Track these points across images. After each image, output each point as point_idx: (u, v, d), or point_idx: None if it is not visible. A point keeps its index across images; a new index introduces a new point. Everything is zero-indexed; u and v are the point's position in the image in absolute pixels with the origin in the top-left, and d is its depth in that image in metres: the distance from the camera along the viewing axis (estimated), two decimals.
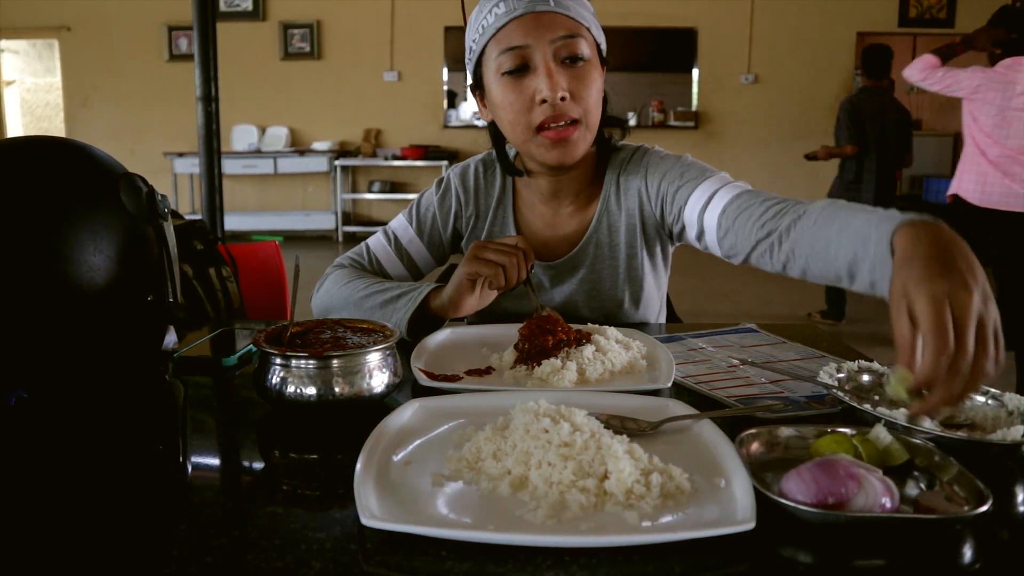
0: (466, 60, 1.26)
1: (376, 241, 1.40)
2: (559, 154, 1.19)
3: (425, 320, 1.19)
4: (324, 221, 8.85)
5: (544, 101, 1.15)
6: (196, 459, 0.79)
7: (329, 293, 1.29)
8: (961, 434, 0.78)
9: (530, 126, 1.18)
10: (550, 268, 1.34)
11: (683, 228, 1.24)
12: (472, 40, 1.23)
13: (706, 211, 1.16)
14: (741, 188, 1.16)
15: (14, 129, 9.72)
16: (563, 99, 1.15)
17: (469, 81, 1.27)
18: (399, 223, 1.40)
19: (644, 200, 1.30)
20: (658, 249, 1.36)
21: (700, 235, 1.18)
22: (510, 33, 1.15)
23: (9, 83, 9.79)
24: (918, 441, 0.72)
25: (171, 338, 1.10)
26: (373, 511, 0.61)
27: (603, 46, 1.24)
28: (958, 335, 0.64)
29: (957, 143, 10.33)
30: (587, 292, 1.34)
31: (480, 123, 8.74)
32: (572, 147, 1.19)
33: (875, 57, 4.78)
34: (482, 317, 1.31)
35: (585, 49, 1.17)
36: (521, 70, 1.16)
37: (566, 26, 1.15)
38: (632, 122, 8.80)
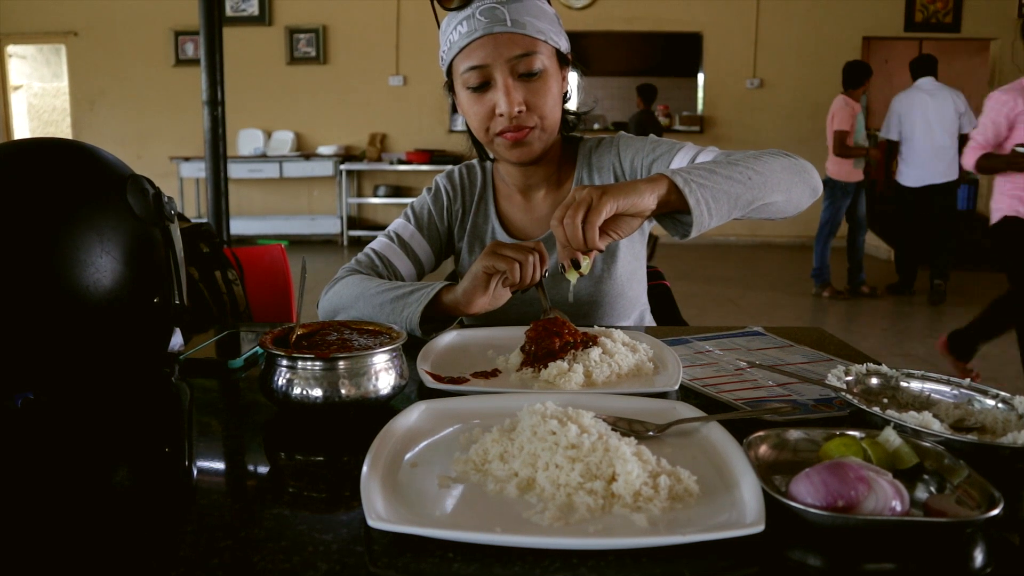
0: (439, 62, 1.37)
1: (380, 243, 1.47)
2: (518, 154, 1.32)
3: (436, 317, 1.22)
4: (329, 225, 8.88)
5: (502, 114, 1.27)
6: (202, 461, 0.79)
7: (340, 294, 1.33)
8: (971, 437, 0.77)
9: (491, 133, 1.31)
10: None
11: None
12: (443, 50, 1.33)
13: (696, 160, 1.28)
14: (717, 150, 1.29)
15: (21, 133, 9.77)
16: (520, 112, 1.27)
17: (444, 80, 1.40)
18: (398, 224, 1.50)
19: (618, 176, 1.41)
20: None
21: None
22: (472, 52, 1.26)
23: (16, 88, 9.84)
24: (928, 444, 0.71)
25: (177, 340, 1.10)
26: (380, 513, 0.61)
27: (564, 48, 1.33)
28: (572, 210, 0.99)
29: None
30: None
31: None
32: (529, 147, 1.31)
33: (647, 92, 7.63)
34: (489, 320, 1.32)
35: (541, 63, 1.27)
36: (483, 87, 1.28)
37: (522, 45, 1.25)
38: None
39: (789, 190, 1.17)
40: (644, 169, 1.37)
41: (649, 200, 1.01)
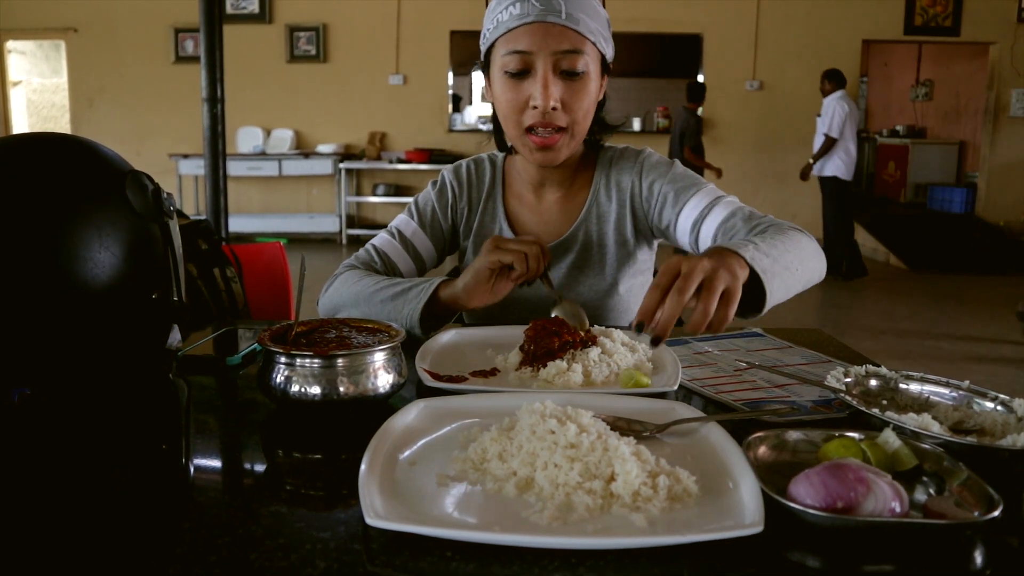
0: (480, 41, 1.32)
1: (381, 239, 1.44)
2: (542, 157, 1.28)
3: (435, 314, 1.21)
4: (328, 224, 8.86)
5: (536, 107, 1.22)
6: (200, 459, 0.79)
7: (339, 292, 1.31)
8: (970, 439, 0.77)
9: (521, 125, 1.26)
10: None
11: (668, 226, 1.34)
12: (487, 28, 1.28)
13: (703, 223, 1.27)
14: (733, 206, 1.26)
15: (20, 130, 9.74)
16: (554, 108, 1.22)
17: (481, 59, 1.34)
18: (400, 220, 1.46)
19: (636, 194, 1.38)
20: (643, 241, 1.43)
21: (693, 241, 1.30)
22: (518, 36, 1.21)
23: (15, 84, 9.82)
24: (927, 446, 0.71)
25: (175, 337, 1.10)
26: (378, 511, 0.61)
27: (609, 55, 1.30)
28: (682, 280, 0.84)
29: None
30: (575, 277, 1.40)
31: (484, 127, 8.76)
32: (555, 152, 1.27)
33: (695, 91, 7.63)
34: (491, 319, 1.32)
35: (585, 64, 1.23)
36: (522, 74, 1.23)
37: (571, 41, 1.21)
38: (636, 127, 8.80)
39: (809, 281, 1.15)
40: (661, 197, 1.33)
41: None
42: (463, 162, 1.49)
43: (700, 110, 7.76)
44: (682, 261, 0.87)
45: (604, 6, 1.29)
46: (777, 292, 1.00)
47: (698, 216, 1.28)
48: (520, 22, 1.20)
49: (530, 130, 1.25)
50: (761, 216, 1.24)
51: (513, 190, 1.46)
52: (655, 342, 0.84)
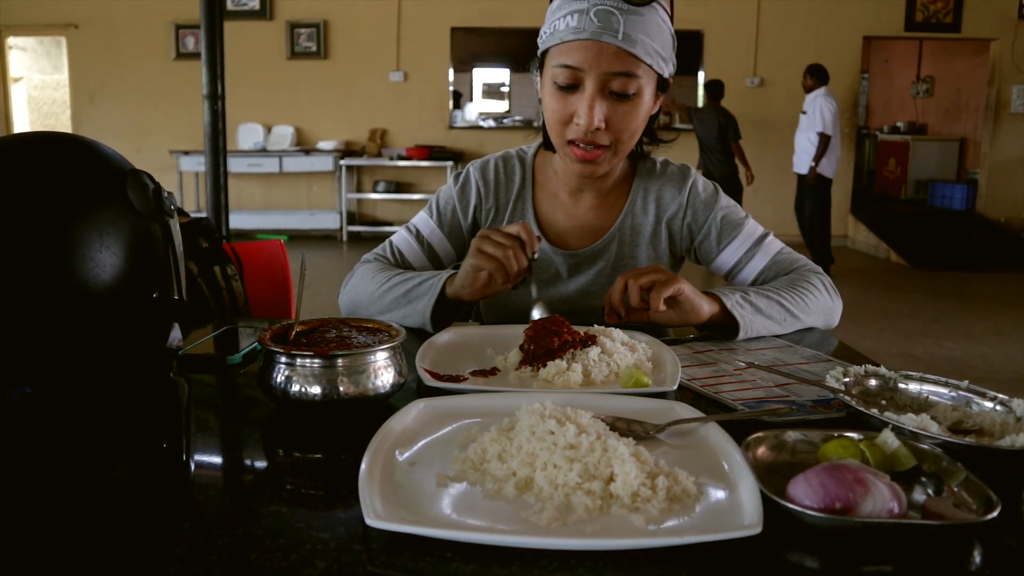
0: (538, 39, 1.29)
1: (399, 236, 1.44)
2: (582, 169, 1.27)
3: (447, 306, 1.23)
4: (329, 220, 8.87)
5: (579, 124, 1.21)
6: (200, 458, 0.79)
7: (356, 289, 1.32)
8: (969, 440, 0.78)
9: (564, 136, 1.25)
10: (572, 257, 1.40)
11: (706, 258, 1.43)
12: (545, 31, 1.25)
13: (742, 271, 1.39)
14: (769, 256, 1.37)
15: (21, 126, 9.74)
16: (598, 129, 1.21)
17: (537, 57, 1.31)
18: (420, 218, 1.45)
19: (676, 217, 1.41)
20: (674, 261, 1.46)
21: (729, 274, 1.41)
22: (571, 50, 1.19)
23: (16, 80, 9.81)
24: (926, 447, 0.71)
25: (175, 335, 1.10)
26: (378, 511, 0.61)
27: (668, 73, 1.26)
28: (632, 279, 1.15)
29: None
30: (602, 285, 1.40)
31: (484, 124, 8.76)
32: (595, 167, 1.27)
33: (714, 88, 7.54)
34: (503, 318, 1.32)
35: (637, 87, 1.20)
36: (570, 88, 1.21)
37: (624, 63, 1.18)
38: None
39: (807, 325, 1.29)
40: (705, 230, 1.39)
41: (702, 319, 1.18)
42: (491, 159, 1.45)
43: None
44: (654, 267, 1.16)
45: (672, 19, 1.24)
46: (752, 332, 1.20)
47: (739, 260, 1.38)
48: (575, 36, 1.17)
49: (573, 141, 1.24)
50: (792, 263, 1.36)
51: (547, 189, 1.42)
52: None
